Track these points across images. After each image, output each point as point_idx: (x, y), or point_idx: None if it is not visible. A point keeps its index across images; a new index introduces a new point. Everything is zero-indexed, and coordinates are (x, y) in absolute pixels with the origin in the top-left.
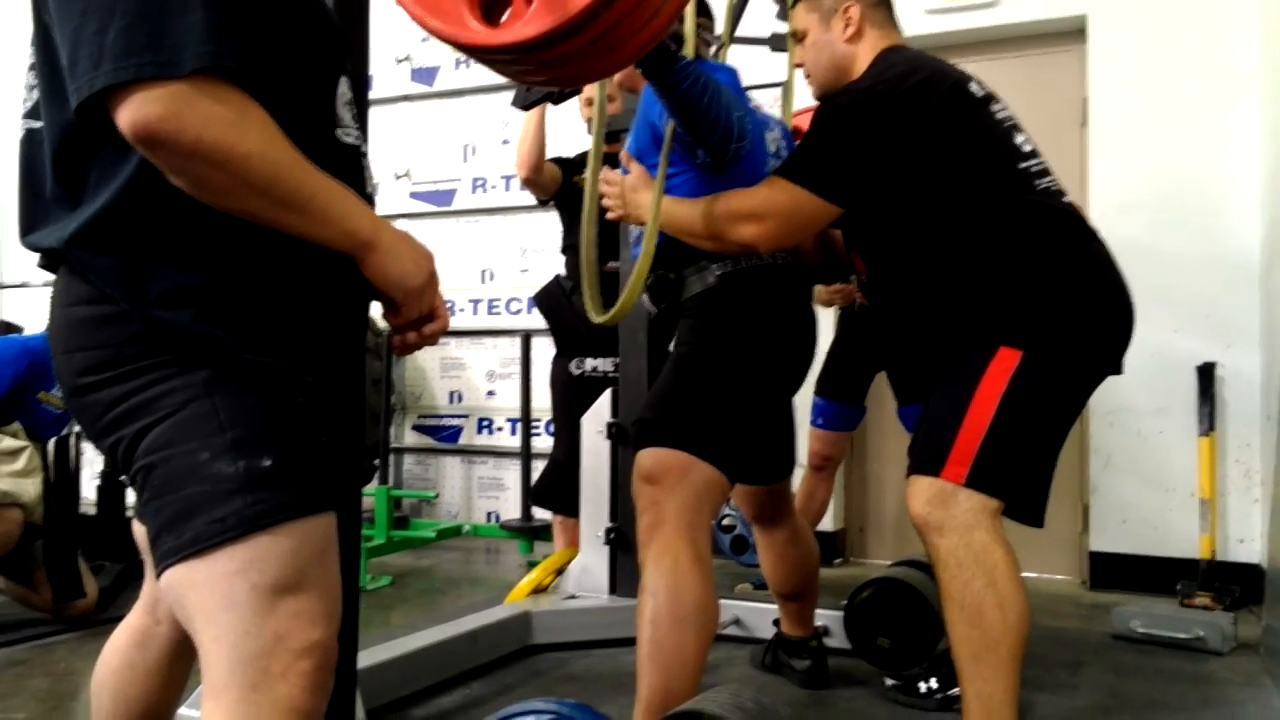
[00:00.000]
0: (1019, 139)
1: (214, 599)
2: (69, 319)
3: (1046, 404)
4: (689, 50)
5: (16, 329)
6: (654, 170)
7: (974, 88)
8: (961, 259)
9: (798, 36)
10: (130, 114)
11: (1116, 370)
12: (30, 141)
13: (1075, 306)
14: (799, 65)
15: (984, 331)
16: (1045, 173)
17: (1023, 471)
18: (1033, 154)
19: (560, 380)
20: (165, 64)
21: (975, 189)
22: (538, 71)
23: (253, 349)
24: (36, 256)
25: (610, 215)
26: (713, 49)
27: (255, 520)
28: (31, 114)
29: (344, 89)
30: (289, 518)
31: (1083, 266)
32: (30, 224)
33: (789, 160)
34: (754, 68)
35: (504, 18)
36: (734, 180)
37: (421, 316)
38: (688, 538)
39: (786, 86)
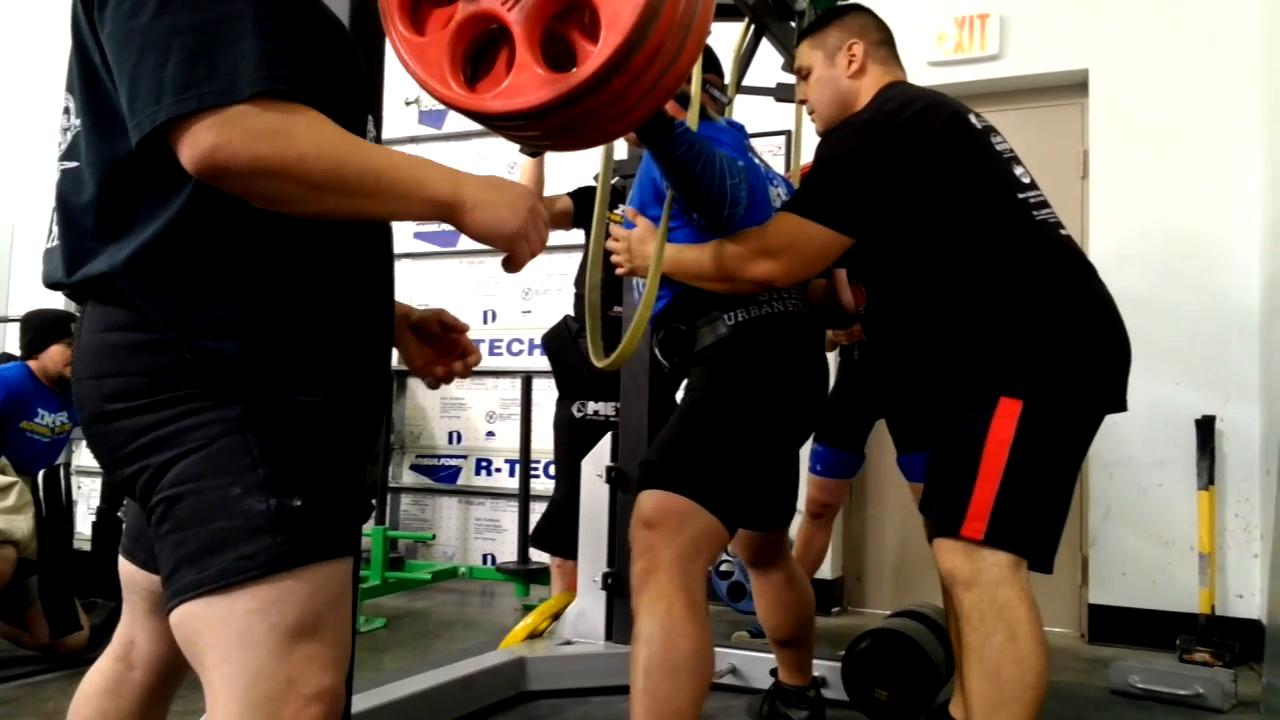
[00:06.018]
0: (1018, 170)
1: (230, 637)
2: (102, 344)
3: (1053, 450)
4: (693, 113)
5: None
6: (657, 222)
7: (973, 119)
8: (958, 290)
9: (802, 73)
10: (190, 149)
11: (1121, 407)
12: (65, 182)
13: (1071, 350)
14: (802, 101)
15: (982, 383)
16: (1044, 204)
17: (1038, 521)
18: (1032, 185)
19: (562, 423)
20: (223, 91)
21: (974, 216)
22: (529, 136)
23: (288, 386)
24: (42, 290)
25: (619, 270)
26: (722, 106)
27: (283, 559)
28: (67, 155)
29: (370, 128)
30: (314, 559)
31: (1080, 305)
32: (77, 263)
33: (796, 195)
34: (760, 117)
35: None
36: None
37: (462, 350)
38: (682, 585)
39: (793, 136)
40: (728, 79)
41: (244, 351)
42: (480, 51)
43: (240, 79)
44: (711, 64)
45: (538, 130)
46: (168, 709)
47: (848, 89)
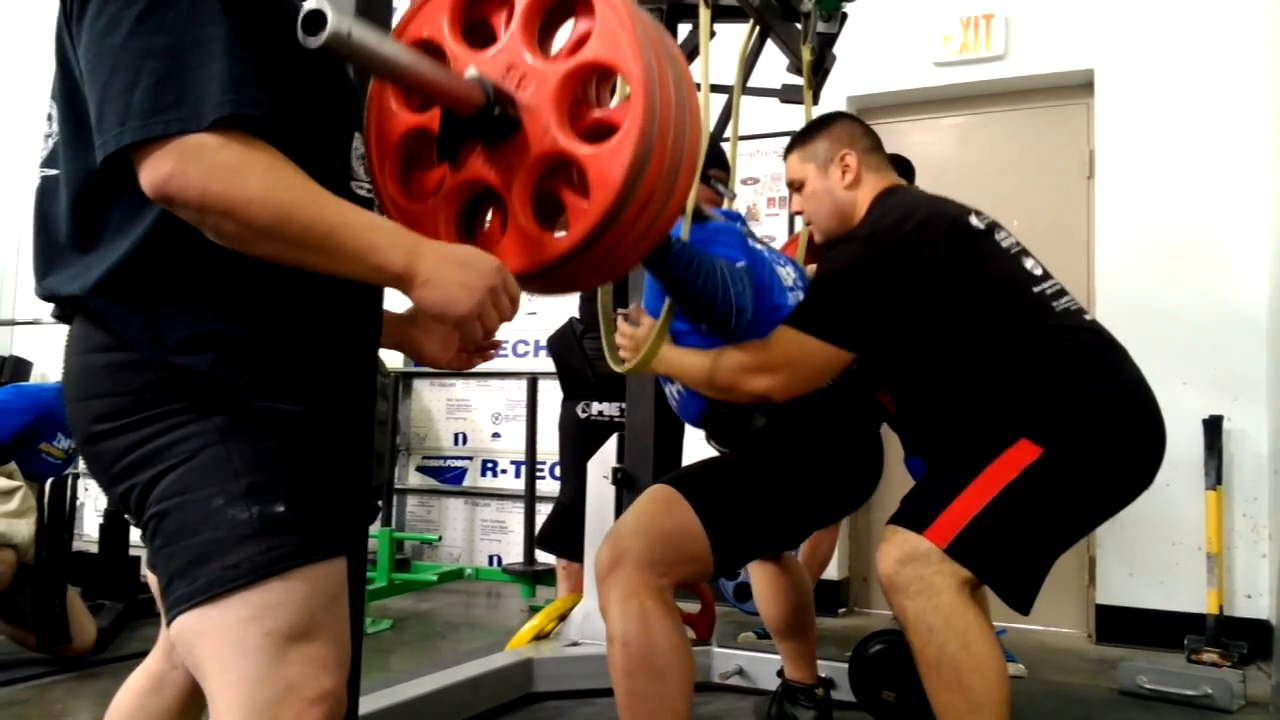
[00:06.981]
0: (1029, 263)
1: (226, 646)
2: (86, 366)
3: (1054, 504)
4: (685, 224)
5: (27, 364)
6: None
7: (974, 221)
8: (990, 385)
9: (794, 186)
10: (147, 174)
11: (1145, 486)
12: (45, 189)
13: (1103, 421)
14: (798, 213)
15: (1008, 422)
16: (1062, 293)
17: (1010, 558)
18: (1045, 275)
19: (568, 424)
20: (189, 118)
21: (993, 319)
22: (529, 289)
23: (267, 395)
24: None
25: (624, 368)
26: (725, 201)
27: (269, 566)
28: (48, 162)
29: (358, 143)
30: (302, 563)
31: (1113, 384)
32: (45, 269)
33: (797, 310)
34: (764, 118)
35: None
36: (745, 334)
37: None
38: (652, 585)
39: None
40: (733, 80)
41: (219, 365)
42: (473, 205)
43: (205, 105)
44: (715, 157)
45: (536, 285)
46: (203, 709)
47: (845, 200)
